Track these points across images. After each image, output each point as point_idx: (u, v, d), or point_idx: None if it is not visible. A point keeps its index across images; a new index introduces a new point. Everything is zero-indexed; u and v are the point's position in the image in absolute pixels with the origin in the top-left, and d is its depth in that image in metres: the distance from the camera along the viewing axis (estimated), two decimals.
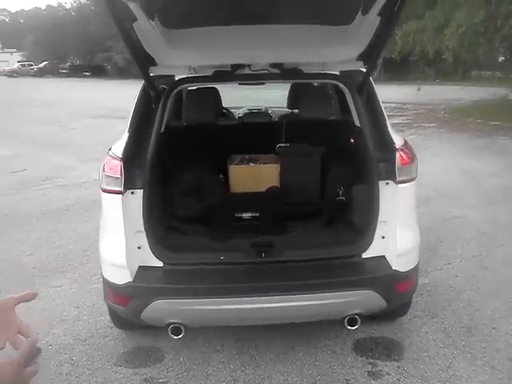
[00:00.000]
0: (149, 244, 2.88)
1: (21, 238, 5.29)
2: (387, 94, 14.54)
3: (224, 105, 4.47)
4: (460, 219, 5.62)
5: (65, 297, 3.98)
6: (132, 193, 2.86)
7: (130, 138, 3.07)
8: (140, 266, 2.86)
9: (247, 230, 3.40)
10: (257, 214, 3.54)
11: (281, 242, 3.18)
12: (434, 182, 6.84)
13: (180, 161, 3.59)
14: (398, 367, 3.03)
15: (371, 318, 3.14)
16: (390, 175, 2.91)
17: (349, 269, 2.93)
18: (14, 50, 65.19)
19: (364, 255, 2.94)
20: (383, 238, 2.91)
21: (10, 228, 5.62)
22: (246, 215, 3.54)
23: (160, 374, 3.03)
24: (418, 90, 21.10)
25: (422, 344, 3.27)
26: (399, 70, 29.15)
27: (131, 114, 3.20)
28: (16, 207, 6.43)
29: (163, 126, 3.29)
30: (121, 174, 2.83)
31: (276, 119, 4.97)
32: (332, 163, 3.67)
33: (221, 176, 3.70)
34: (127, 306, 2.85)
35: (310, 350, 3.21)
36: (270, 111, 6.11)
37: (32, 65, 56.22)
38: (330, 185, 3.64)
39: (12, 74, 53.47)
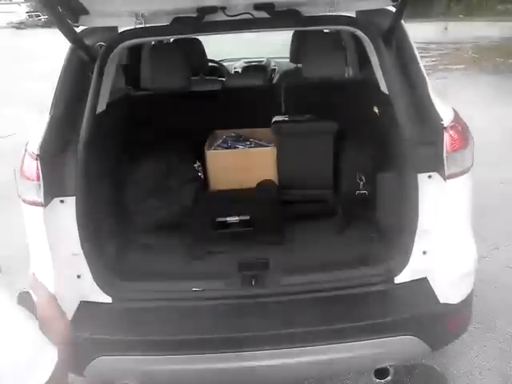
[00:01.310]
0: (91, 271, 2.09)
1: None
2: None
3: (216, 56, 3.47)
4: (505, 185, 4.59)
5: None
6: (61, 201, 2.07)
7: (51, 123, 2.14)
8: (82, 302, 2.12)
9: (233, 240, 2.55)
10: (246, 218, 2.62)
11: (279, 259, 2.32)
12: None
13: (135, 148, 2.65)
14: None
15: None
16: (435, 165, 2.02)
17: (376, 303, 2.05)
18: (22, 0, 63.24)
19: (397, 279, 2.08)
20: (425, 253, 2.06)
21: None
22: (232, 219, 2.62)
23: None
24: (445, 29, 19.32)
25: (472, 376, 2.39)
26: (420, 6, 26.98)
27: (54, 88, 2.25)
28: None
29: (104, 102, 2.33)
30: (38, 178, 2.00)
31: (275, 79, 3.95)
32: (349, 144, 2.68)
33: (196, 165, 2.72)
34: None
35: None
36: (273, 64, 5.06)
37: (39, 15, 54.49)
38: (346, 174, 2.67)
39: (20, 25, 51.68)
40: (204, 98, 3.07)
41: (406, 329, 1.95)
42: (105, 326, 2.04)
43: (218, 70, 4.62)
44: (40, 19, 53.45)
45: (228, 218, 2.61)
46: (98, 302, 2.13)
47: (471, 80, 10.55)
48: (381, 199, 2.45)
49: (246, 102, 3.07)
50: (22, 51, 21.68)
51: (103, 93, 2.26)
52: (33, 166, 2.01)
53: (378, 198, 2.46)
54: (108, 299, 2.12)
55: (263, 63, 5.14)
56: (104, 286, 2.12)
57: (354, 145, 2.65)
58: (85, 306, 2.11)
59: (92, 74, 2.20)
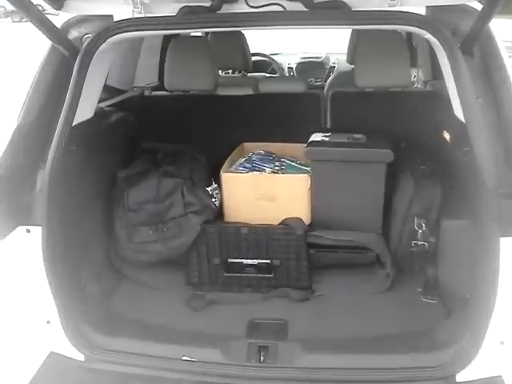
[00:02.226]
0: (60, 318, 1.73)
1: None
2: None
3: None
4: None
5: None
6: (27, 231, 1.74)
7: (17, 134, 1.74)
8: (52, 354, 1.77)
9: (245, 290, 2.10)
10: (266, 262, 2.07)
11: (301, 325, 1.87)
12: None
13: (133, 164, 2.19)
14: None
15: None
16: None
17: None
18: None
19: (461, 376, 1.58)
20: (502, 343, 1.58)
21: None
22: (247, 262, 2.08)
23: None
24: None
25: None
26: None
27: (28, 91, 1.80)
28: None
29: (91, 108, 1.86)
30: None
31: (328, 81, 3.33)
32: (407, 178, 2.05)
33: (210, 188, 2.18)
34: None
35: None
36: (332, 62, 4.44)
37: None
38: (400, 218, 2.05)
39: None
40: (232, 103, 2.54)
41: None
42: None
43: (267, 65, 4.06)
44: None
45: (243, 260, 2.08)
46: (67, 357, 1.77)
47: None
48: (446, 257, 1.93)
49: (283, 110, 2.52)
50: None
51: (88, 96, 1.78)
52: None
53: (441, 255, 1.95)
54: (80, 356, 1.75)
55: (321, 60, 4.53)
56: (75, 339, 1.73)
57: (413, 180, 2.02)
58: (53, 360, 1.77)
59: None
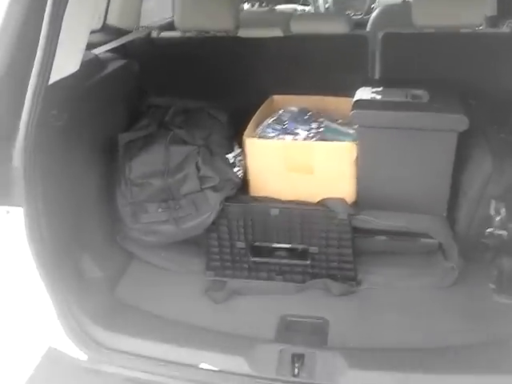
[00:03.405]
0: (56, 311, 1.43)
1: None
2: None
3: None
4: None
5: None
6: (7, 212, 1.40)
7: None
8: (51, 349, 1.57)
9: (276, 279, 1.74)
10: (301, 247, 1.69)
11: (346, 326, 1.55)
12: None
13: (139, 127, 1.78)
14: None
15: None
16: None
17: None
18: None
19: None
20: None
21: None
22: (278, 246, 1.71)
23: None
24: None
25: None
26: None
27: None
28: None
29: (77, 56, 1.44)
30: None
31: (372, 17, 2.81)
32: (483, 151, 1.61)
33: (233, 155, 1.77)
34: None
35: None
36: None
37: None
38: (472, 200, 1.62)
39: None
40: (258, 47, 2.08)
41: None
42: None
43: None
44: None
45: (273, 244, 1.70)
46: (69, 356, 1.50)
47: None
48: None
49: (320, 55, 2.06)
50: None
51: (71, 42, 1.35)
52: None
53: None
54: (82, 355, 1.48)
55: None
56: (75, 334, 1.47)
57: (490, 152, 1.58)
58: (51, 358, 1.62)
59: None
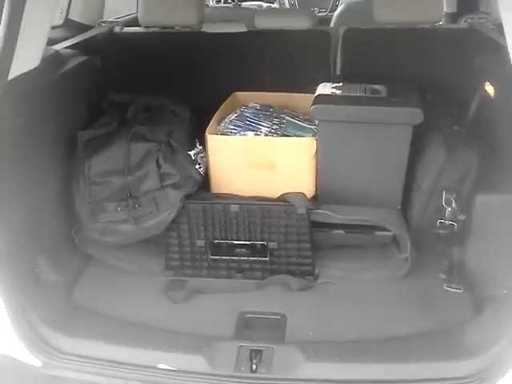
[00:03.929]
0: (9, 316, 1.40)
1: None
2: None
3: None
4: None
5: None
6: None
7: None
8: (5, 357, 1.49)
9: (235, 276, 1.77)
10: (260, 243, 1.72)
11: (303, 321, 1.57)
12: None
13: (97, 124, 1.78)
14: None
15: None
16: None
17: None
18: None
19: None
20: None
21: None
22: (238, 243, 1.73)
23: None
24: None
25: None
26: None
27: None
28: None
29: (38, 49, 1.44)
30: None
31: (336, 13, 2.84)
32: (436, 143, 1.66)
33: (194, 152, 1.77)
34: None
35: None
36: None
37: None
38: (425, 192, 1.67)
39: None
40: (221, 43, 2.09)
41: None
42: None
43: None
44: None
45: (232, 241, 1.72)
46: (22, 362, 1.47)
47: None
48: (477, 238, 1.58)
49: (283, 51, 2.08)
50: None
51: (31, 36, 1.35)
52: None
53: (472, 236, 1.60)
54: (36, 362, 1.44)
55: None
56: (28, 339, 1.44)
57: (444, 144, 1.63)
58: (4, 364, 1.52)
59: None
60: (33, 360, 1.45)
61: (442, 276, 1.67)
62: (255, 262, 1.73)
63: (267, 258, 1.71)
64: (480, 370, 1.31)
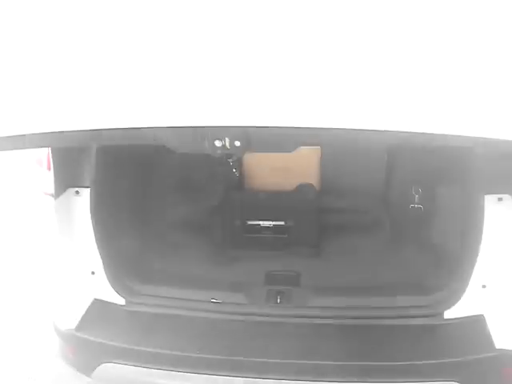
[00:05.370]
0: (104, 269, 1.99)
1: None
2: None
3: None
4: None
5: None
6: (76, 192, 1.96)
7: None
8: (96, 300, 2.04)
9: (263, 248, 2.36)
10: (281, 223, 2.37)
11: (311, 275, 2.14)
12: None
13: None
14: None
15: None
16: (508, 186, 1.76)
17: (418, 340, 1.83)
18: None
19: (448, 314, 1.85)
20: (484, 287, 1.82)
21: None
22: (264, 224, 2.38)
23: None
24: None
25: None
26: None
27: None
28: None
29: None
30: (49, 166, 1.92)
31: None
32: (406, 151, 2.35)
33: (231, 160, 2.43)
34: (73, 360, 2.00)
35: None
36: None
37: None
38: (400, 185, 2.35)
39: None
40: None
41: (451, 375, 1.71)
42: (115, 332, 1.94)
43: None
44: None
45: (260, 222, 2.36)
46: (110, 303, 2.03)
47: None
48: (438, 217, 2.15)
49: None
50: None
51: None
52: (44, 154, 1.93)
53: (435, 216, 2.17)
54: (121, 301, 2.01)
55: None
56: (117, 287, 2.01)
57: (411, 152, 2.31)
58: (97, 305, 2.03)
59: None
60: (119, 300, 2.01)
61: (414, 246, 2.23)
62: (277, 238, 2.36)
63: (286, 236, 2.34)
64: (435, 302, 1.88)
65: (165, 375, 1.81)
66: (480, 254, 1.79)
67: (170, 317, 1.99)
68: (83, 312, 2.00)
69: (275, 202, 2.34)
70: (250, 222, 2.38)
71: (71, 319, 1.98)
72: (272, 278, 2.16)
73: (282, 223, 2.36)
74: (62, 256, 2.03)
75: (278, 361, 1.77)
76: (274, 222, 2.36)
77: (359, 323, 1.89)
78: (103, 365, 1.87)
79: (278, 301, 1.98)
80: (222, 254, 2.32)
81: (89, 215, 1.94)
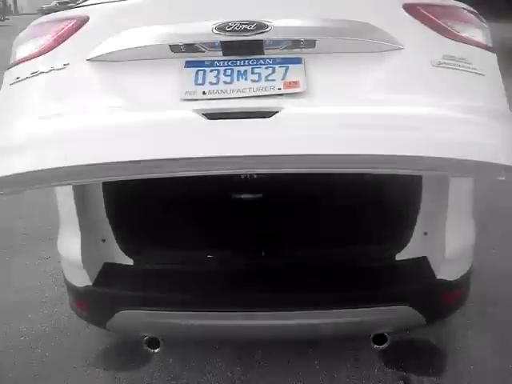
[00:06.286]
0: (115, 236, 2.28)
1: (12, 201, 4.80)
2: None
3: None
4: None
5: (50, 272, 3.48)
6: None
7: None
8: (106, 264, 2.31)
9: (247, 216, 2.67)
10: (260, 195, 2.77)
11: (289, 234, 2.50)
12: None
13: None
14: None
15: None
16: None
17: (377, 276, 2.24)
18: None
19: (399, 256, 2.27)
20: (426, 234, 2.23)
21: None
22: (247, 196, 2.77)
23: (144, 379, 2.51)
24: None
25: (468, 352, 2.61)
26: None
27: None
28: None
29: None
30: None
31: None
32: None
33: None
34: (89, 313, 2.33)
35: (326, 355, 2.59)
36: None
37: (69, 2, 55.31)
38: None
39: (49, 12, 52.55)
40: None
41: (402, 299, 2.12)
42: (125, 284, 2.25)
43: None
44: (70, 6, 54.37)
45: (242, 195, 2.73)
46: (120, 264, 2.32)
47: None
48: (389, 183, 2.43)
49: None
50: None
51: None
52: None
53: (386, 182, 2.44)
54: (130, 261, 2.32)
55: None
56: (126, 250, 2.30)
57: None
58: (108, 267, 2.30)
59: None
60: (128, 261, 2.30)
61: (373, 213, 2.51)
62: (257, 209, 2.70)
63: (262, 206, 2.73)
64: (388, 247, 2.25)
65: (175, 315, 2.14)
66: (422, 208, 2.17)
67: (174, 272, 2.30)
68: (97, 272, 2.25)
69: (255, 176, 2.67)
70: (234, 196, 2.71)
71: (86, 279, 2.20)
72: (257, 239, 2.45)
73: (261, 195, 2.70)
74: (77, 225, 2.18)
75: (266, 295, 2.14)
76: (253, 195, 2.70)
77: (334, 267, 2.28)
78: (118, 313, 2.13)
79: (263, 254, 2.34)
80: (211, 223, 2.57)
81: (100, 190, 2.19)
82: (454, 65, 1.64)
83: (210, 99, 1.57)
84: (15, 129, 1.59)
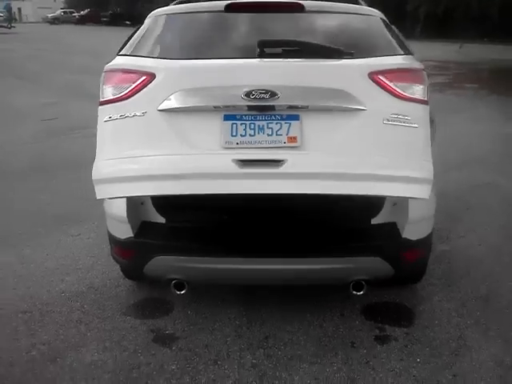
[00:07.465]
0: (151, 201, 2.78)
1: (41, 187, 5.38)
2: (428, 52, 13.97)
3: None
4: (491, 186, 5.38)
5: (81, 246, 4.04)
6: None
7: None
8: (143, 222, 2.82)
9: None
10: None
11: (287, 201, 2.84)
12: (469, 147, 6.63)
13: None
14: (407, 333, 2.96)
15: (383, 283, 3.03)
16: None
17: (357, 234, 2.77)
18: None
19: (373, 221, 2.78)
20: (394, 204, 2.74)
21: (32, 177, 5.71)
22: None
23: (167, 325, 3.06)
24: (460, 47, 19.75)
25: (434, 312, 3.18)
26: (442, 27, 27.30)
27: None
28: (41, 155, 6.54)
29: None
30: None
31: None
32: None
33: None
34: (129, 260, 2.87)
35: (318, 310, 3.16)
36: None
37: (74, 12, 56.58)
38: None
39: (54, 21, 54.22)
40: None
41: (375, 252, 2.65)
42: (160, 236, 2.76)
43: None
44: (74, 16, 55.56)
45: None
46: (155, 222, 2.81)
47: (484, 99, 11.13)
48: None
49: None
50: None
51: None
52: None
53: None
54: (162, 220, 2.81)
55: None
56: (160, 211, 2.79)
57: None
58: (145, 224, 2.80)
59: None
60: (161, 219, 2.80)
61: None
62: None
63: None
64: (366, 214, 2.70)
65: (198, 260, 2.61)
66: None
67: (196, 228, 2.76)
68: (137, 227, 2.73)
69: None
70: None
71: (129, 232, 2.70)
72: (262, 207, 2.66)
73: None
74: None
75: (270, 246, 2.65)
76: None
77: (321, 227, 2.76)
78: (154, 258, 2.62)
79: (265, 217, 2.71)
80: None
81: None
82: (397, 120, 2.33)
83: (241, 148, 2.34)
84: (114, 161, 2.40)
